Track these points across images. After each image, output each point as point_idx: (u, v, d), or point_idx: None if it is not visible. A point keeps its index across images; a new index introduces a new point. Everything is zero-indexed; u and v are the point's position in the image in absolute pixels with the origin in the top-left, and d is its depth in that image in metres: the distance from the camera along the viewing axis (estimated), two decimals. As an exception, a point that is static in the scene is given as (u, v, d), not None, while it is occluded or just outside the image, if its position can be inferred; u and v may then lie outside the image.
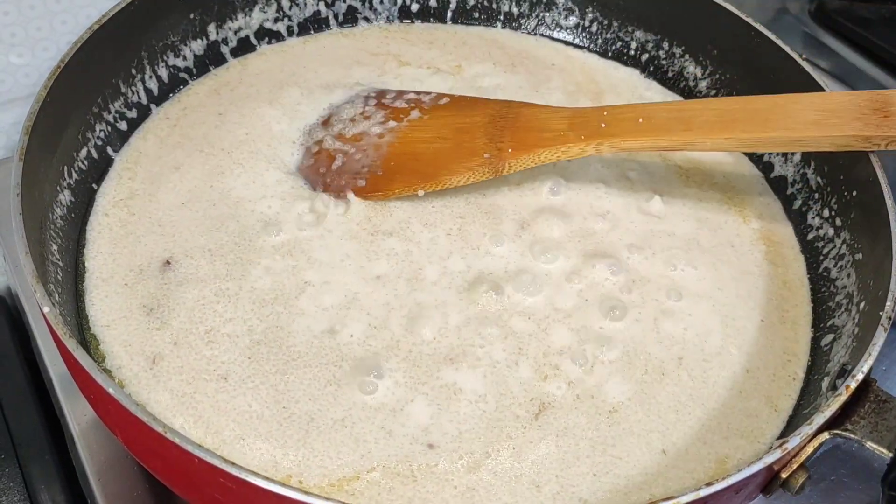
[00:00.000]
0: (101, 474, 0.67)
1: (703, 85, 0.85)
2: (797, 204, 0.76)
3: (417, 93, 0.78)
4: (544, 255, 0.68)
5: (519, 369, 0.62)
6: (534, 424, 0.59)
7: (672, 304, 0.67)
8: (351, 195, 0.70)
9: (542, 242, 0.70)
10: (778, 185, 0.78)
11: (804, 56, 1.13)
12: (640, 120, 0.68)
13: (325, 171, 0.72)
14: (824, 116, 0.64)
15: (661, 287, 0.68)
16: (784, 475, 0.51)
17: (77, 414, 0.70)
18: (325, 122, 0.77)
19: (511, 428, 0.59)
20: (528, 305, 0.65)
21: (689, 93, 0.86)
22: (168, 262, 0.66)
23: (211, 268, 0.66)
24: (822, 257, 0.71)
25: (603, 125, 0.68)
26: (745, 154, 0.81)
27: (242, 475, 0.45)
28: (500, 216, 0.71)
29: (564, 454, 0.58)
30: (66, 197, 0.68)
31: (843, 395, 0.51)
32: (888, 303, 0.56)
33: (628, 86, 0.87)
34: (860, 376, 0.52)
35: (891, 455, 0.49)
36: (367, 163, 0.72)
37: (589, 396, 0.61)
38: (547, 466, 0.57)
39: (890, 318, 0.56)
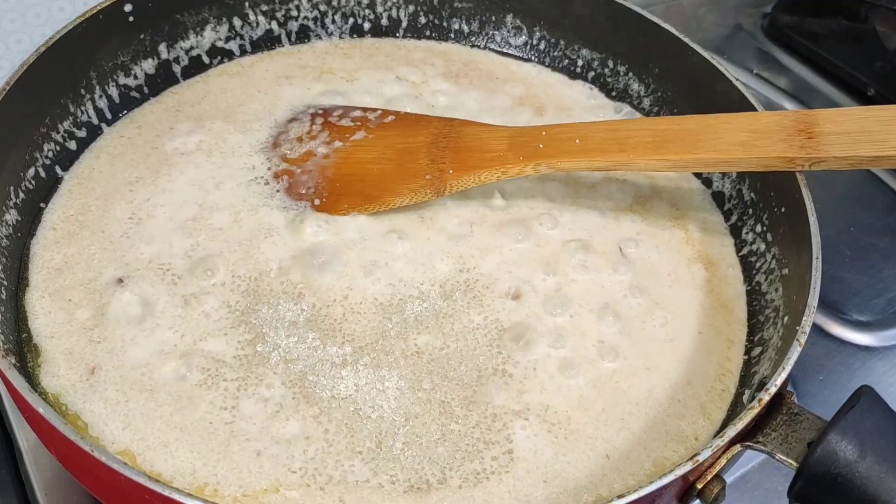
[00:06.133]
0: (48, 490, 0.68)
1: (646, 102, 0.87)
2: (733, 219, 0.78)
3: (364, 110, 0.79)
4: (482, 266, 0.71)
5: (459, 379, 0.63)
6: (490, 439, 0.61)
7: (618, 318, 0.69)
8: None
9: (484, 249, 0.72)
10: (716, 201, 0.80)
11: (756, 72, 1.16)
12: (577, 140, 0.69)
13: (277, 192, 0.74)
14: (752, 138, 0.65)
15: (607, 302, 0.70)
16: (699, 486, 0.53)
17: (25, 430, 0.71)
18: (275, 144, 0.78)
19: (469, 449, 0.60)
20: (478, 323, 0.67)
21: (633, 108, 0.88)
22: (121, 280, 0.67)
23: (160, 286, 0.67)
24: (754, 271, 0.73)
25: (541, 146, 0.70)
26: (693, 174, 0.82)
27: (167, 492, 0.47)
28: (440, 226, 0.73)
29: (517, 467, 0.60)
30: (12, 216, 0.69)
31: (755, 408, 0.53)
32: (804, 318, 0.58)
33: (571, 99, 0.88)
34: (773, 390, 0.54)
35: (797, 466, 0.50)
36: (313, 184, 0.73)
37: (544, 408, 0.63)
38: (502, 479, 0.59)
39: (805, 334, 0.57)
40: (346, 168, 0.74)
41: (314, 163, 0.75)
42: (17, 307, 0.66)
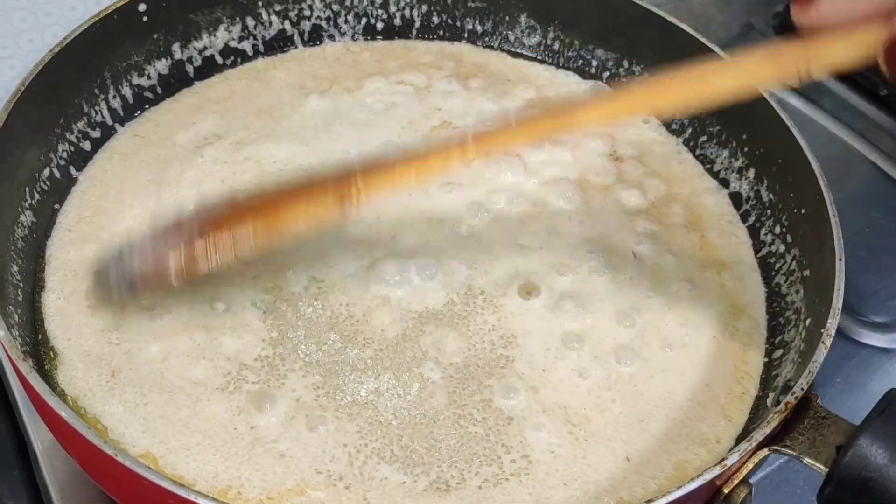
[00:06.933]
0: (63, 493, 0.68)
1: (662, 102, 0.87)
2: (751, 220, 0.77)
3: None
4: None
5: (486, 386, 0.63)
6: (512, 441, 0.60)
7: (633, 321, 0.68)
8: None
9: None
10: (734, 202, 0.79)
11: (768, 71, 1.16)
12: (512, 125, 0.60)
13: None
14: (737, 63, 0.60)
15: (621, 304, 0.69)
16: (726, 490, 0.53)
17: (40, 432, 0.70)
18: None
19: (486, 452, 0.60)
20: (492, 324, 0.67)
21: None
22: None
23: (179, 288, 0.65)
24: (773, 273, 0.73)
25: (470, 139, 0.60)
26: (709, 174, 0.82)
27: (192, 497, 0.46)
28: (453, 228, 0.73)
29: (536, 469, 0.59)
30: (27, 218, 0.68)
31: (782, 412, 0.52)
32: (829, 320, 0.58)
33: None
34: (799, 393, 0.53)
35: (826, 470, 0.50)
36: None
37: (562, 409, 0.62)
38: (522, 481, 0.59)
39: (831, 336, 0.57)
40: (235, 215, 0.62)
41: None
42: (34, 309, 0.65)
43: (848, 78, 1.13)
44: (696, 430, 0.63)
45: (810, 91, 1.13)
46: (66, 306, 0.65)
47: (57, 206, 0.72)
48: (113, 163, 0.76)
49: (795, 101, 1.11)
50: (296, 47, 0.90)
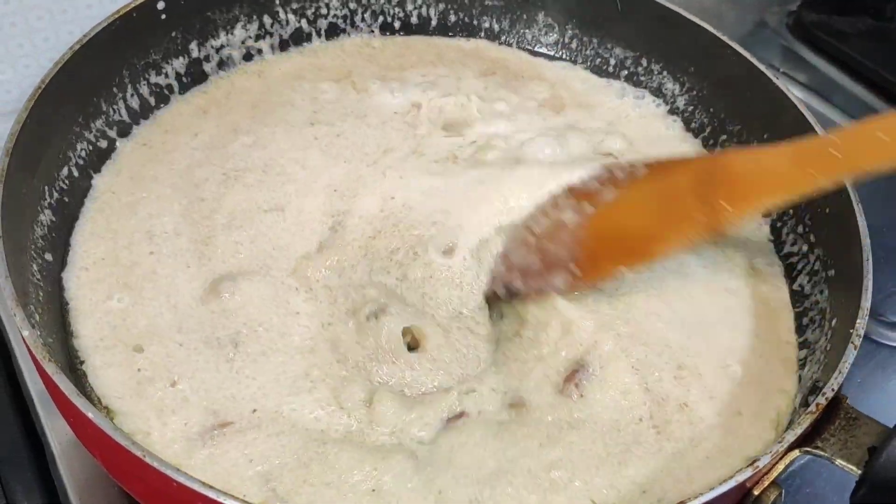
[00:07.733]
0: (81, 492, 0.67)
1: (680, 101, 0.86)
2: (772, 218, 0.77)
3: (610, 169, 0.70)
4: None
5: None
6: None
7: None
8: None
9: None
10: (754, 201, 0.79)
11: (782, 69, 1.15)
12: (882, 135, 0.56)
13: (520, 274, 0.67)
14: None
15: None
16: (756, 492, 0.52)
17: (57, 432, 0.70)
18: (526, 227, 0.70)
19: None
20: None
21: (667, 107, 0.87)
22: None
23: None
24: (796, 273, 0.72)
25: (836, 153, 0.58)
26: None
27: (221, 499, 0.46)
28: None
29: None
30: (46, 217, 0.68)
31: (813, 413, 0.52)
32: (858, 321, 0.57)
33: (596, 97, 0.87)
34: (830, 394, 0.53)
35: (859, 472, 0.50)
36: (565, 254, 0.66)
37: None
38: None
39: (860, 336, 0.57)
40: (602, 228, 0.67)
41: (563, 234, 0.67)
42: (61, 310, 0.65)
43: (862, 75, 1.13)
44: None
45: (822, 87, 1.13)
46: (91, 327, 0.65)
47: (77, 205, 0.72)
48: (121, 180, 0.74)
49: (806, 98, 1.10)
50: (312, 44, 0.89)
